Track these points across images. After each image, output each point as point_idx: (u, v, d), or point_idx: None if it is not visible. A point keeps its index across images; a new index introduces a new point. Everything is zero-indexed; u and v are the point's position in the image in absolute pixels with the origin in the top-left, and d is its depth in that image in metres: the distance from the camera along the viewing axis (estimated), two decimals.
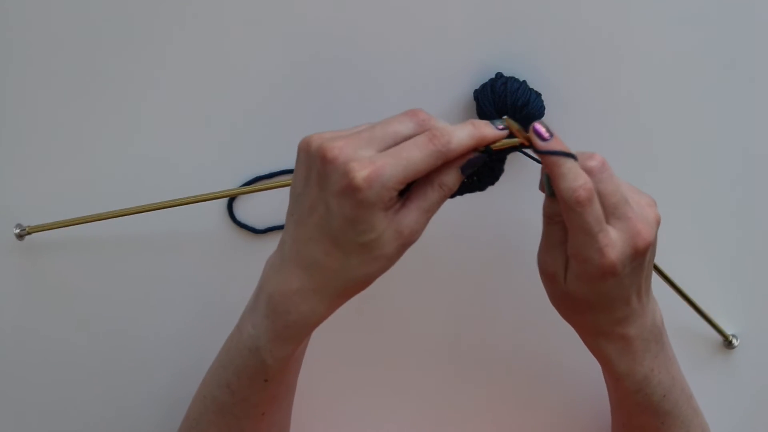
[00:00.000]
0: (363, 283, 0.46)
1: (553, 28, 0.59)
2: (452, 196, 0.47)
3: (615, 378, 0.51)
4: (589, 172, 0.46)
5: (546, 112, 0.58)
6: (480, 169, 0.48)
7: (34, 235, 0.60)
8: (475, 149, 0.45)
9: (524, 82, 0.58)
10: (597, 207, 0.45)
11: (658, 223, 0.48)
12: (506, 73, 0.59)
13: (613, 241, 0.45)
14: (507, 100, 0.57)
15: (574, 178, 0.45)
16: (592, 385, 0.63)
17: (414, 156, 0.43)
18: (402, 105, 0.55)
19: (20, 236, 0.60)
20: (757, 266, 0.64)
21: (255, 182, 0.60)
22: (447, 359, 0.64)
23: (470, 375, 0.64)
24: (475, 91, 0.59)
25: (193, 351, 0.60)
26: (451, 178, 0.45)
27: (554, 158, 0.46)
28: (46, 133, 0.60)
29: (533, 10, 0.59)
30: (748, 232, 0.64)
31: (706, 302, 0.63)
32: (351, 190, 0.42)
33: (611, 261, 0.45)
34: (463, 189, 0.49)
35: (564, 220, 0.47)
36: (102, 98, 0.59)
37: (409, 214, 0.44)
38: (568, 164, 0.46)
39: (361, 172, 0.42)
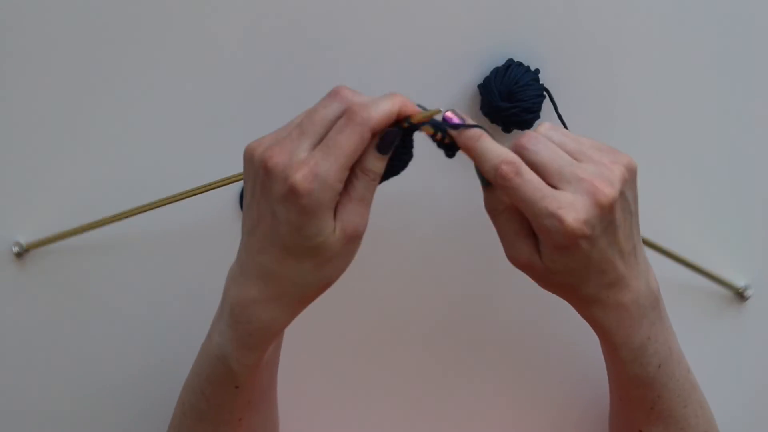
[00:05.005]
0: (321, 286, 0.46)
1: (561, 18, 0.59)
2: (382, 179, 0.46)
3: (611, 348, 0.50)
4: (519, 147, 0.45)
5: (549, 105, 0.57)
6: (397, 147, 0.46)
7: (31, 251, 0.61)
8: (397, 121, 0.45)
9: (519, 63, 0.57)
10: (529, 176, 0.44)
11: (623, 179, 0.45)
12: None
13: (569, 203, 0.43)
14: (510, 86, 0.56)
15: (493, 156, 0.44)
16: (589, 373, 0.63)
17: (340, 142, 0.43)
18: (407, 93, 0.55)
19: (19, 255, 0.61)
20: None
21: None
22: (443, 354, 0.64)
23: (468, 370, 0.64)
24: (479, 86, 0.59)
25: (195, 345, 0.58)
26: (371, 160, 0.44)
27: (468, 142, 0.45)
28: (38, 143, 0.60)
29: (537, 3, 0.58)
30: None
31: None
32: (293, 195, 0.42)
33: (572, 224, 0.43)
34: (389, 171, 0.47)
35: (506, 209, 0.47)
36: (98, 102, 0.59)
37: (347, 208, 0.44)
38: (482, 144, 0.45)
39: (297, 176, 0.42)
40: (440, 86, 0.59)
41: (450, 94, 0.59)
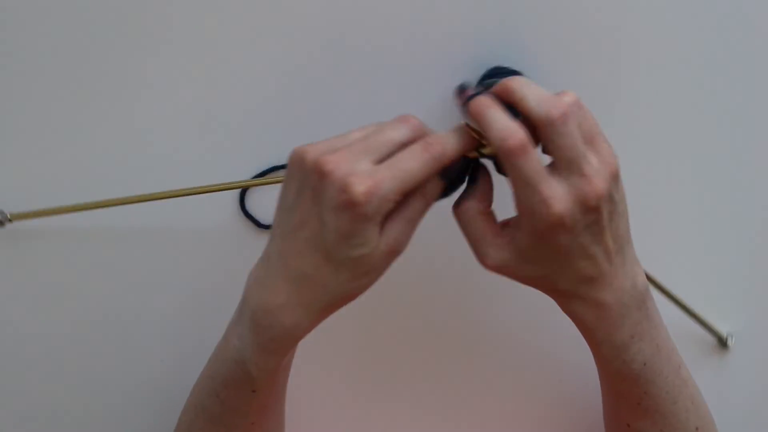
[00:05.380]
0: (350, 296, 0.46)
1: (551, 22, 0.59)
2: None
3: (594, 344, 0.49)
4: (548, 121, 0.43)
5: None
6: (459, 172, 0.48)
7: (18, 223, 0.58)
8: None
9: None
10: (533, 157, 0.43)
11: (613, 175, 0.45)
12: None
13: (560, 194, 0.43)
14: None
15: (503, 126, 0.43)
16: (589, 371, 0.61)
17: (411, 167, 0.44)
18: (406, 94, 0.59)
19: (1, 223, 0.57)
20: (752, 262, 0.63)
21: (270, 172, 0.59)
22: (443, 354, 0.64)
23: (467, 368, 0.64)
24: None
25: (194, 345, 0.59)
26: (434, 185, 0.46)
27: (478, 107, 0.44)
28: (42, 120, 0.58)
29: (529, 5, 0.59)
30: (741, 229, 0.63)
31: (700, 301, 0.62)
32: (350, 205, 0.42)
33: (557, 213, 0.43)
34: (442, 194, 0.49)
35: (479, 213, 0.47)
36: (106, 84, 0.58)
37: (395, 226, 0.45)
38: (493, 113, 0.44)
39: (360, 187, 0.42)
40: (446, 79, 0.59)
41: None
